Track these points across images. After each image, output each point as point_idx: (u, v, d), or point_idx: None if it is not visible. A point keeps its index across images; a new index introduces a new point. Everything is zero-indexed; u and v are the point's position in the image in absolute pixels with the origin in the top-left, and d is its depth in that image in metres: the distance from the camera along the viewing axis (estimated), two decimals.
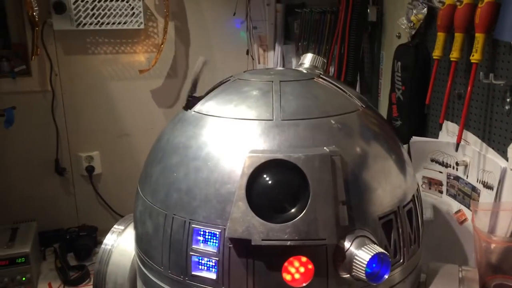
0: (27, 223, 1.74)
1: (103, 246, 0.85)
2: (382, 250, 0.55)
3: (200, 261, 0.60)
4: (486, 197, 0.89)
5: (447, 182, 1.01)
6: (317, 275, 0.57)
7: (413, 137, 1.05)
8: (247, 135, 0.62)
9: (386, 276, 0.56)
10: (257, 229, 0.55)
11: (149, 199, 0.67)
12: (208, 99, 0.70)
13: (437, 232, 1.02)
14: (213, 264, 0.59)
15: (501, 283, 0.81)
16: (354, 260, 0.55)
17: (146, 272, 0.68)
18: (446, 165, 1.00)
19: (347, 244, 0.57)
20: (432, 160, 1.03)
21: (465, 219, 0.96)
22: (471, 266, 0.86)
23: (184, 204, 0.61)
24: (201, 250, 0.60)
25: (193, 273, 0.60)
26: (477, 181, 0.91)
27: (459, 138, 0.91)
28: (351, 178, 0.60)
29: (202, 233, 0.60)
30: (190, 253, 0.60)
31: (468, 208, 0.94)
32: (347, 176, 0.60)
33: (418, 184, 0.73)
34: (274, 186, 0.57)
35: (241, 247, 0.57)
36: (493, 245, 0.79)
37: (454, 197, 1.00)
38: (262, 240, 0.55)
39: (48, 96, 1.80)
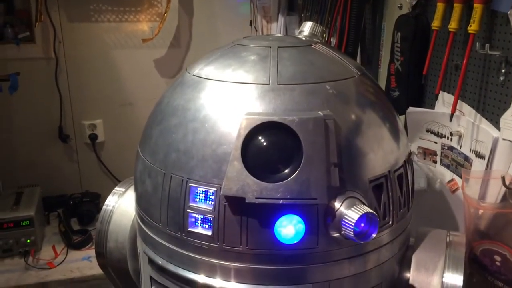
0: (31, 188, 1.77)
1: (104, 206, 0.88)
2: (371, 210, 0.57)
3: (197, 218, 0.63)
4: (478, 166, 0.91)
5: (441, 152, 1.03)
6: (308, 233, 0.60)
7: (410, 107, 1.06)
8: (244, 99, 0.64)
9: (374, 235, 0.58)
10: (251, 188, 0.57)
11: (148, 159, 0.69)
12: (208, 63, 0.72)
13: (430, 201, 1.05)
14: (209, 221, 0.62)
15: (487, 248, 0.83)
16: (344, 219, 0.58)
17: (146, 230, 0.71)
18: (441, 136, 1.02)
19: (337, 204, 0.59)
20: (428, 131, 1.04)
21: (457, 188, 0.98)
22: (461, 232, 0.88)
23: (182, 163, 0.64)
24: (197, 208, 0.62)
25: (189, 229, 0.63)
26: (470, 151, 0.93)
27: (454, 108, 0.93)
28: (344, 142, 0.62)
29: (198, 191, 0.62)
30: (187, 210, 0.63)
31: (461, 177, 0.96)
32: (340, 140, 0.61)
33: (410, 151, 0.75)
34: (268, 147, 0.59)
35: (235, 205, 0.60)
36: (481, 211, 0.81)
37: (447, 167, 1.02)
38: (256, 198, 0.57)
39: (51, 63, 1.81)
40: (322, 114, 0.59)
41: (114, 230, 0.85)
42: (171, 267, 0.67)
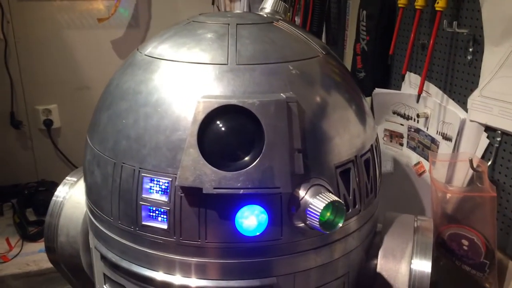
0: None
1: (54, 198, 0.82)
2: (337, 199, 0.54)
3: (151, 210, 0.58)
4: (444, 149, 0.89)
5: (408, 135, 1.01)
6: (271, 224, 0.56)
7: (376, 89, 1.04)
8: (200, 80, 0.59)
9: (340, 225, 0.55)
10: (209, 177, 0.53)
11: (97, 148, 0.64)
12: (161, 42, 0.66)
13: (396, 184, 1.03)
14: (164, 213, 0.57)
15: (455, 233, 0.82)
16: (309, 209, 0.54)
17: (97, 224, 0.66)
18: (408, 118, 1.00)
19: (302, 192, 0.55)
20: (394, 113, 1.02)
21: (424, 171, 0.96)
22: (428, 216, 0.87)
23: (133, 152, 0.58)
24: (151, 200, 0.57)
25: (143, 223, 0.58)
26: (437, 133, 0.91)
27: (421, 89, 0.90)
28: (308, 126, 0.58)
29: (152, 182, 0.57)
30: (140, 202, 0.58)
31: (427, 160, 0.95)
32: (304, 124, 0.58)
33: (377, 135, 0.72)
34: (227, 132, 0.54)
35: (192, 196, 0.55)
36: (448, 195, 0.80)
37: (413, 149, 1.00)
38: (214, 188, 0.53)
39: (0, 44, 1.71)
40: (284, 96, 0.55)
41: (65, 224, 0.80)
42: (125, 264, 0.62)
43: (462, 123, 0.84)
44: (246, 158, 0.53)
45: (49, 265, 1.44)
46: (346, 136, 0.63)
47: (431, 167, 0.85)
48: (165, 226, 0.57)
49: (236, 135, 0.55)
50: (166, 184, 0.56)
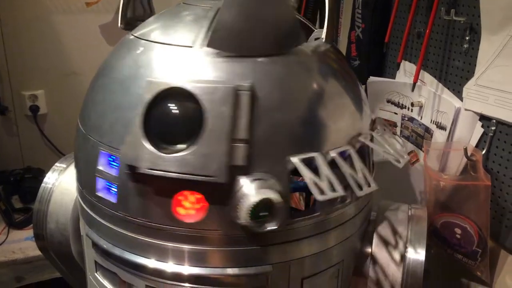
0: None
1: (43, 184, 0.81)
2: (274, 196, 0.51)
3: (104, 183, 0.60)
4: (438, 138, 0.89)
5: (402, 124, 1.01)
6: (210, 213, 0.54)
7: (371, 77, 1.03)
8: (164, 61, 0.59)
9: (271, 227, 0.52)
10: (145, 157, 0.52)
11: (80, 125, 0.65)
12: (150, 22, 0.67)
13: (389, 173, 1.03)
14: (114, 188, 0.58)
15: (448, 221, 0.82)
16: (240, 203, 0.52)
17: (88, 210, 0.65)
18: (402, 106, 0.99)
19: (240, 185, 0.53)
20: (388, 101, 1.02)
21: (417, 160, 0.96)
22: (420, 205, 0.87)
23: (97, 126, 0.60)
24: (105, 173, 0.59)
25: (97, 194, 0.60)
26: (431, 122, 0.91)
27: (416, 78, 0.90)
28: (264, 116, 0.55)
29: (106, 156, 0.59)
30: (96, 174, 0.59)
31: (421, 149, 0.95)
32: (259, 114, 0.54)
33: (374, 120, 0.71)
34: (169, 115, 0.54)
35: (137, 174, 0.54)
36: (442, 184, 0.80)
37: (407, 138, 1.00)
38: (149, 169, 0.52)
39: None
40: (234, 84, 0.52)
41: (54, 211, 0.78)
42: (117, 251, 0.61)
43: (457, 112, 0.84)
44: (185, 143, 0.52)
45: (35, 253, 1.43)
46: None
47: (425, 156, 0.85)
48: (114, 200, 0.58)
49: (178, 119, 0.54)
50: (116, 160, 0.57)
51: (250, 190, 0.52)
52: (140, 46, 0.62)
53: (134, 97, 0.56)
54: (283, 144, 0.56)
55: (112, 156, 0.58)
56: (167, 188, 0.54)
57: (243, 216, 0.51)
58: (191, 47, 0.58)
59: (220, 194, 0.53)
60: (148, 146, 0.52)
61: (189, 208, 0.54)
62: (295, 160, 0.54)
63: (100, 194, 0.60)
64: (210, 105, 0.51)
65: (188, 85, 0.52)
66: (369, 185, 0.58)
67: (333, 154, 0.58)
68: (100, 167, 0.59)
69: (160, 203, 0.55)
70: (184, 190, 0.54)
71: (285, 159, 0.55)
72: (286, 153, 0.55)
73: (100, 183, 0.60)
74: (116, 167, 0.58)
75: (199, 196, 0.54)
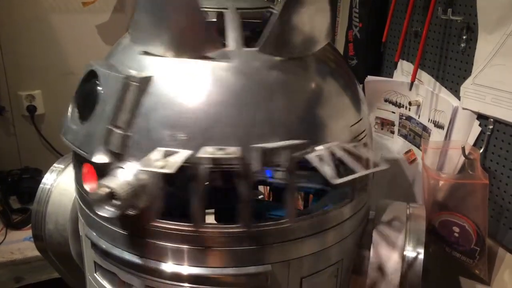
0: None
1: (41, 185, 0.81)
2: (115, 186, 0.52)
3: None
4: (436, 137, 0.89)
5: (399, 123, 1.01)
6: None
7: (368, 76, 1.03)
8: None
9: (108, 211, 0.53)
10: (71, 129, 0.62)
11: None
12: None
13: (387, 172, 1.03)
14: None
15: (446, 220, 0.83)
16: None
17: (87, 211, 0.65)
18: (399, 105, 0.99)
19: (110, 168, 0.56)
20: (386, 100, 1.02)
21: (415, 159, 0.97)
22: (419, 204, 0.87)
23: None
24: None
25: None
26: (429, 121, 0.91)
27: (414, 77, 0.90)
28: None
29: None
30: None
31: (418, 148, 0.95)
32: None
33: (370, 122, 0.72)
34: (83, 92, 0.63)
35: None
36: (441, 183, 0.80)
37: (405, 137, 1.00)
38: (63, 135, 0.64)
39: None
40: (130, 74, 0.56)
41: (53, 211, 0.78)
42: (116, 251, 0.61)
43: (455, 111, 0.84)
44: (85, 120, 0.60)
45: (34, 253, 1.42)
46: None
47: (423, 155, 0.85)
48: None
49: (87, 96, 0.60)
50: None
51: (110, 176, 0.54)
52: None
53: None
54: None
55: None
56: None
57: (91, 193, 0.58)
58: None
59: (99, 172, 0.58)
60: (69, 116, 0.61)
61: (88, 178, 0.62)
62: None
63: None
64: (105, 89, 0.57)
65: (99, 68, 0.59)
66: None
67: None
68: None
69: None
70: (85, 161, 0.60)
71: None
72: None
73: None
74: None
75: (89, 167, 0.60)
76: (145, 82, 0.56)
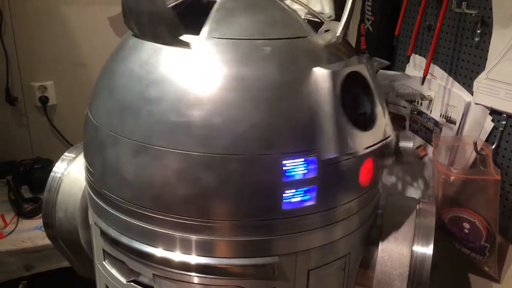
0: None
1: (52, 174, 0.81)
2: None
3: None
4: (448, 132, 0.88)
5: (410, 118, 1.00)
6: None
7: (380, 70, 1.02)
8: None
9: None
10: (358, 144, 0.59)
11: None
12: None
13: (398, 167, 1.02)
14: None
15: (456, 216, 0.82)
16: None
17: (97, 200, 0.65)
18: (411, 100, 0.98)
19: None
20: (397, 95, 1.01)
21: (425, 154, 0.96)
22: (428, 199, 0.87)
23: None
24: None
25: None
26: (440, 116, 0.91)
27: (426, 71, 0.89)
28: None
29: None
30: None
31: (430, 143, 0.94)
32: None
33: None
34: (361, 96, 0.62)
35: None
36: (452, 178, 0.79)
37: (416, 132, 0.99)
38: (364, 149, 0.60)
39: None
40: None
41: (63, 200, 0.79)
42: (125, 240, 0.61)
43: (467, 106, 0.83)
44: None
45: (44, 242, 1.44)
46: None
47: (434, 150, 0.84)
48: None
49: (365, 98, 0.61)
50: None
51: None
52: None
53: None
54: None
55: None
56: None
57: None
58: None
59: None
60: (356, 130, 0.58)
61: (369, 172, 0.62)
62: None
63: None
64: (372, 85, 0.60)
65: (359, 69, 0.59)
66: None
67: None
68: None
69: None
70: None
71: None
72: None
73: None
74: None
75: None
76: None
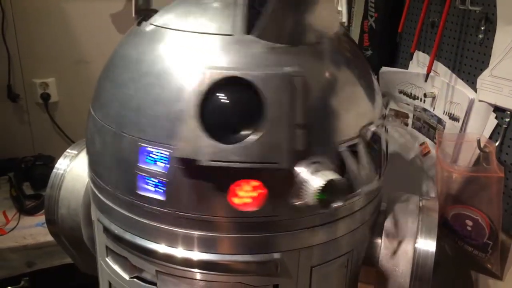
0: None
1: (54, 170, 0.81)
2: (335, 177, 0.52)
3: (148, 181, 0.57)
4: (451, 129, 0.88)
5: (414, 115, 1.00)
6: (268, 200, 0.54)
7: (383, 67, 1.02)
8: (204, 51, 0.57)
9: (336, 204, 0.53)
10: (206, 149, 0.52)
11: (99, 117, 0.63)
12: (167, 11, 0.65)
13: (400, 164, 1.02)
14: (161, 184, 0.56)
15: (459, 213, 0.82)
16: (305, 186, 0.52)
17: (100, 196, 0.65)
18: (414, 97, 0.98)
19: (300, 169, 0.53)
20: (400, 92, 1.01)
21: (429, 152, 0.96)
22: (432, 196, 0.86)
23: (133, 122, 0.57)
24: (148, 170, 0.56)
25: (140, 193, 0.57)
26: (444, 113, 0.90)
27: (430, 68, 0.89)
28: (315, 102, 0.57)
29: (150, 152, 0.56)
30: (137, 172, 0.57)
31: (433, 140, 0.94)
32: (310, 99, 0.56)
33: (385, 114, 0.71)
34: (227, 105, 0.53)
35: (189, 168, 0.54)
36: (455, 175, 0.79)
37: (419, 129, 0.99)
38: (210, 160, 0.52)
39: None
40: (289, 70, 0.53)
41: (65, 196, 0.79)
42: (128, 236, 0.61)
43: (471, 103, 0.83)
44: (246, 132, 0.52)
45: (46, 238, 1.44)
46: (353, 113, 0.61)
47: (437, 147, 0.84)
48: (161, 197, 0.56)
49: (237, 108, 0.53)
50: (164, 155, 0.55)
51: (311, 174, 0.52)
52: (168, 37, 0.60)
53: (177, 90, 0.55)
54: (334, 127, 0.58)
55: (156, 151, 0.56)
56: (225, 178, 0.53)
57: (310, 198, 0.52)
58: (232, 35, 0.57)
59: (278, 180, 0.54)
60: (207, 138, 0.51)
61: (244, 197, 0.54)
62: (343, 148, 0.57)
63: (143, 193, 0.57)
64: (269, 92, 0.51)
65: (244, 74, 0.51)
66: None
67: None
68: (142, 164, 0.56)
69: (215, 194, 0.55)
70: (241, 179, 0.53)
71: (337, 140, 0.57)
72: (337, 135, 0.57)
73: (142, 179, 0.57)
74: (164, 162, 0.55)
75: (257, 183, 0.53)
76: (305, 74, 0.54)
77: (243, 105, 0.53)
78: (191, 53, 0.58)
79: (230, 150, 0.51)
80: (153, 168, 0.56)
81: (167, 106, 0.55)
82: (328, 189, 0.52)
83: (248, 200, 0.54)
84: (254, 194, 0.54)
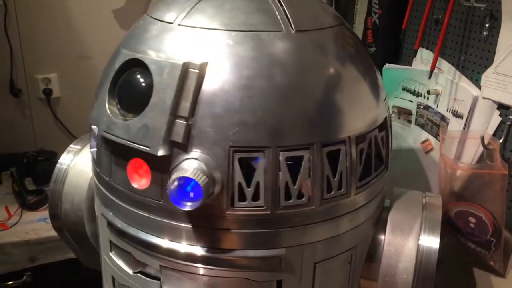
0: None
1: (58, 165, 0.81)
2: (191, 176, 0.51)
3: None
4: (454, 126, 0.88)
5: (417, 112, 1.00)
6: (153, 183, 0.56)
7: (387, 64, 1.02)
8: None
9: (190, 205, 0.52)
10: (103, 121, 0.57)
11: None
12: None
13: (403, 161, 1.02)
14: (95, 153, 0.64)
15: (462, 210, 0.82)
16: (170, 177, 0.53)
17: (104, 190, 0.65)
18: (417, 94, 0.98)
19: (177, 161, 0.54)
20: (404, 89, 1.00)
21: (432, 149, 0.96)
22: (435, 193, 0.86)
23: None
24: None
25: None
26: (447, 110, 0.90)
27: (433, 65, 0.89)
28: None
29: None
30: None
31: (436, 137, 0.94)
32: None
33: (390, 110, 0.71)
34: (127, 84, 0.58)
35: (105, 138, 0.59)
36: (458, 172, 0.79)
37: (422, 126, 0.99)
38: (104, 131, 0.57)
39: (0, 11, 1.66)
40: (187, 61, 0.53)
41: (69, 191, 0.79)
42: (132, 231, 0.61)
43: (475, 100, 0.83)
44: (135, 112, 0.55)
45: (48, 234, 1.44)
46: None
47: (441, 144, 0.84)
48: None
49: (134, 88, 0.57)
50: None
51: (181, 167, 0.53)
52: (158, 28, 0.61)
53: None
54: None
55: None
56: (124, 154, 0.58)
57: (169, 189, 0.52)
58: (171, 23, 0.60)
59: (160, 165, 0.55)
60: (107, 111, 0.57)
61: (140, 174, 0.57)
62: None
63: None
64: (159, 78, 0.53)
65: (143, 57, 0.55)
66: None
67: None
68: None
69: (121, 167, 0.59)
70: (137, 157, 0.56)
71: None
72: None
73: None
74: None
75: (145, 164, 0.56)
76: (204, 68, 0.54)
77: (138, 86, 0.56)
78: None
79: (119, 125, 0.55)
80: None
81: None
82: (185, 187, 0.52)
83: (141, 179, 0.57)
84: (144, 174, 0.57)
